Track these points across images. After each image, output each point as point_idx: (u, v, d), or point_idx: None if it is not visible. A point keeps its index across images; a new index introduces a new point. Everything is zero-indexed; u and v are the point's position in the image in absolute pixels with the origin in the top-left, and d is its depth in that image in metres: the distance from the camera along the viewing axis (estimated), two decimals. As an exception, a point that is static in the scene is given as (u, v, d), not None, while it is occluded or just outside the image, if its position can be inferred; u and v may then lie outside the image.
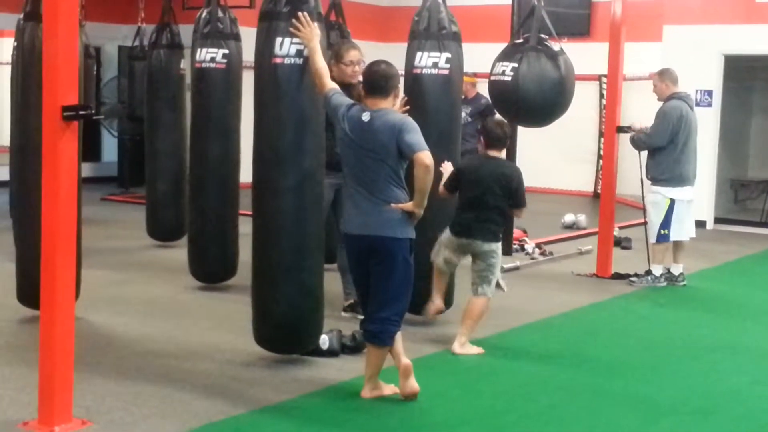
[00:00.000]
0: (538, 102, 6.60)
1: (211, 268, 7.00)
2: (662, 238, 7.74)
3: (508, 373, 5.31)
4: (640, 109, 9.97)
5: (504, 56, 6.86)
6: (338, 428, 4.35)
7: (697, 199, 8.06)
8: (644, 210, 8.11)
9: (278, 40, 4.81)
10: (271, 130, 4.93)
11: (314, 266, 5.04)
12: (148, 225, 8.87)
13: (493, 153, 5.57)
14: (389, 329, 4.58)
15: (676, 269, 7.90)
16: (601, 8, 13.48)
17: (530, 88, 6.64)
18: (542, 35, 6.79)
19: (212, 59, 6.68)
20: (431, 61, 5.73)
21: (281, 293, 4.97)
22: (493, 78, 6.89)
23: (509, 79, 6.72)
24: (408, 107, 5.08)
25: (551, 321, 6.37)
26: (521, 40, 6.87)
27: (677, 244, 7.85)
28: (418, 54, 5.76)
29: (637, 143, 7.87)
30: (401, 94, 4.75)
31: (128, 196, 12.48)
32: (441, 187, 5.50)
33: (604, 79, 11.00)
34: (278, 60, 4.82)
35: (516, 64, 6.67)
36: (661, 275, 7.84)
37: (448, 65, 5.75)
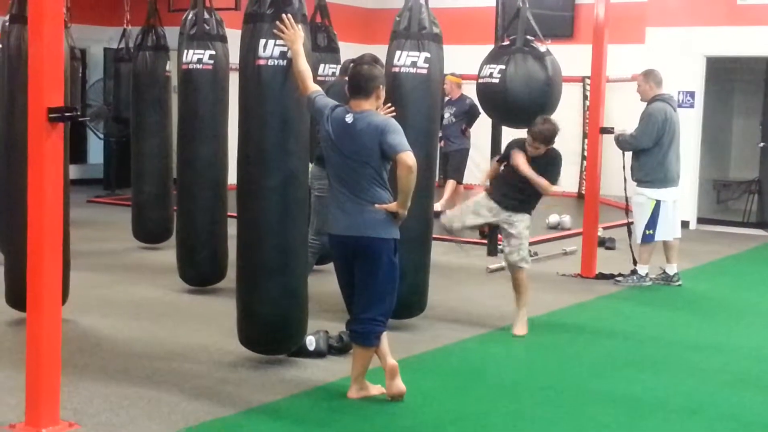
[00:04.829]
0: (526, 103, 6.63)
1: (200, 271, 6.97)
2: (647, 238, 7.80)
3: (493, 373, 5.35)
4: (623, 111, 10.03)
5: (491, 58, 6.90)
6: (325, 429, 4.38)
7: (680, 200, 8.12)
8: (626, 210, 8.18)
9: (262, 41, 4.83)
10: (255, 132, 4.95)
11: (298, 267, 5.06)
12: (133, 227, 8.87)
13: None
14: (375, 329, 4.60)
15: (671, 269, 7.96)
16: (584, 10, 13.55)
17: (518, 89, 6.68)
18: (528, 36, 6.84)
19: (199, 60, 6.68)
20: (410, 60, 5.71)
21: (265, 294, 4.98)
22: (481, 80, 6.92)
23: (497, 81, 6.76)
24: (393, 110, 5.09)
25: (536, 321, 6.40)
26: (507, 42, 6.91)
27: (666, 245, 7.92)
28: (398, 53, 5.74)
29: (623, 144, 7.92)
30: (383, 94, 4.74)
31: (114, 198, 12.46)
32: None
33: (588, 81, 11.05)
34: (262, 61, 4.84)
35: (503, 66, 6.71)
36: (647, 275, 7.90)
37: (426, 65, 5.72)
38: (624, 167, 7.95)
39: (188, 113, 6.87)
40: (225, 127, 6.93)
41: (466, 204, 6.40)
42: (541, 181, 5.97)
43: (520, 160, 6.00)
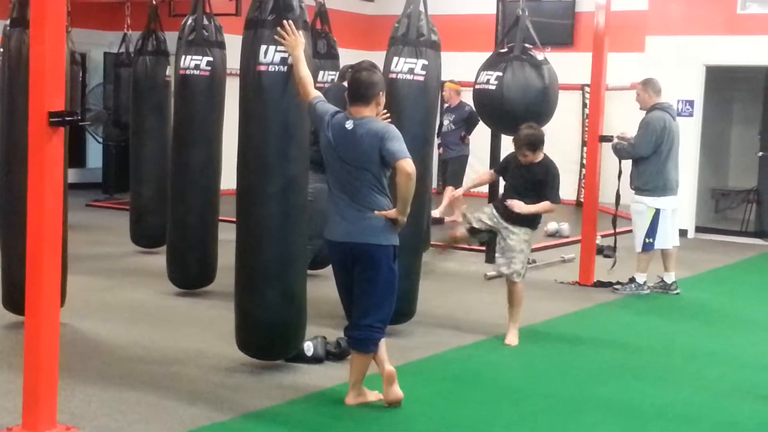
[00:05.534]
0: (522, 110, 6.64)
1: (189, 274, 7.02)
2: (647, 246, 7.81)
3: (492, 380, 5.34)
4: (623, 119, 10.05)
5: (488, 65, 6.92)
6: (323, 434, 4.38)
7: (678, 208, 8.13)
8: (613, 219, 8.18)
9: (263, 47, 4.83)
10: (255, 137, 4.95)
11: (297, 273, 5.06)
12: (131, 231, 8.86)
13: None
14: (373, 336, 4.60)
15: (669, 278, 7.97)
16: (584, 18, 13.58)
17: (514, 96, 6.69)
18: (526, 44, 6.86)
19: (196, 66, 6.70)
20: (407, 67, 5.71)
21: (264, 299, 4.98)
22: (477, 87, 6.94)
23: (494, 87, 6.77)
24: (388, 116, 5.09)
25: (534, 328, 6.41)
26: (506, 50, 6.93)
27: (664, 253, 7.92)
28: (395, 59, 5.74)
29: (621, 153, 7.94)
30: (383, 100, 4.73)
31: (113, 203, 12.46)
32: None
33: (587, 89, 11.07)
34: (263, 67, 4.85)
35: (500, 73, 6.73)
36: (645, 283, 7.91)
37: (423, 72, 5.72)
38: (619, 177, 7.95)
39: (183, 118, 6.90)
40: (219, 133, 6.98)
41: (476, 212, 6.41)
42: (542, 209, 5.95)
43: (516, 205, 5.93)
